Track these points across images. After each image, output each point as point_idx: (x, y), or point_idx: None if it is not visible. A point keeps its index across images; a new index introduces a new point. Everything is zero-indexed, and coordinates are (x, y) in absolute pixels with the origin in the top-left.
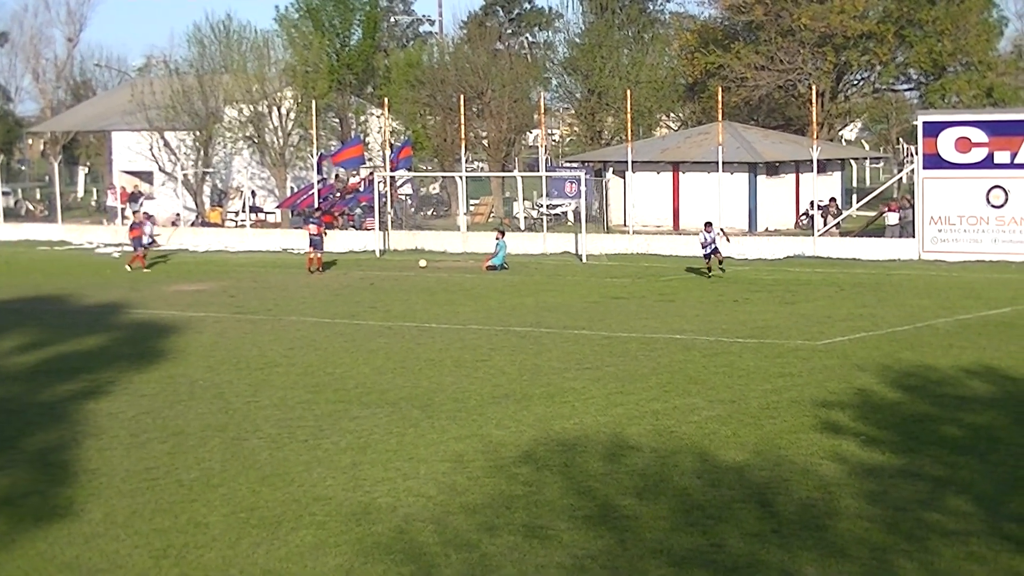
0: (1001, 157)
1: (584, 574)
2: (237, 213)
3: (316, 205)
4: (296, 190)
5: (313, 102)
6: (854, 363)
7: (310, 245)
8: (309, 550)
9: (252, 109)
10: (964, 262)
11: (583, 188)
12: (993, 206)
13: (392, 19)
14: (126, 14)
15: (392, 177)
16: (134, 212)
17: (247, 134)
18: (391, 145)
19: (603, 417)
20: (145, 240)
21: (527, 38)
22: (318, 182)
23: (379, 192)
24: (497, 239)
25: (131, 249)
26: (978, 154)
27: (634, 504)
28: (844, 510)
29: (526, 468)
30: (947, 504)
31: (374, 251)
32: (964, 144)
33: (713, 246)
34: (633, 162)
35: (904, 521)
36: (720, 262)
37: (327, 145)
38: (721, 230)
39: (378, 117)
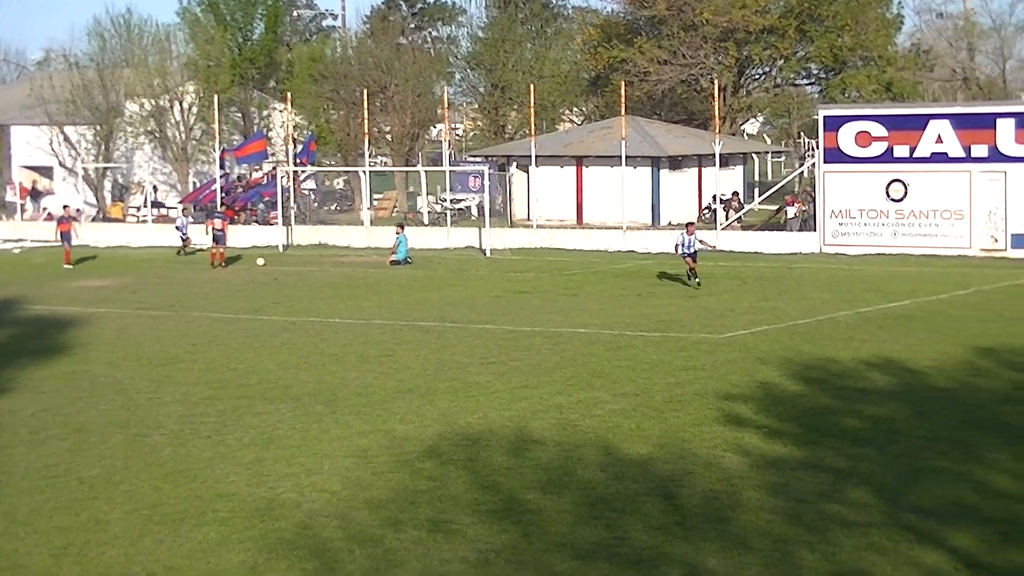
0: (900, 151)
1: (489, 568)
2: (139, 208)
3: (220, 200)
4: (198, 185)
5: (215, 96)
6: (756, 356)
7: (213, 240)
8: (212, 547)
9: (154, 103)
10: (864, 255)
11: (487, 182)
12: (892, 199)
13: (295, 13)
14: (25, 7)
15: (295, 172)
16: (64, 207)
17: (148, 129)
18: (294, 140)
19: (507, 411)
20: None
21: (430, 33)
22: (220, 177)
23: (282, 187)
24: (397, 233)
25: (59, 245)
26: (878, 148)
27: (538, 498)
28: (747, 502)
29: (430, 463)
30: (848, 495)
31: (277, 246)
32: (864, 138)
33: (692, 250)
34: (536, 156)
35: (806, 513)
36: (695, 274)
37: (229, 140)
38: (701, 240)
39: (281, 112)
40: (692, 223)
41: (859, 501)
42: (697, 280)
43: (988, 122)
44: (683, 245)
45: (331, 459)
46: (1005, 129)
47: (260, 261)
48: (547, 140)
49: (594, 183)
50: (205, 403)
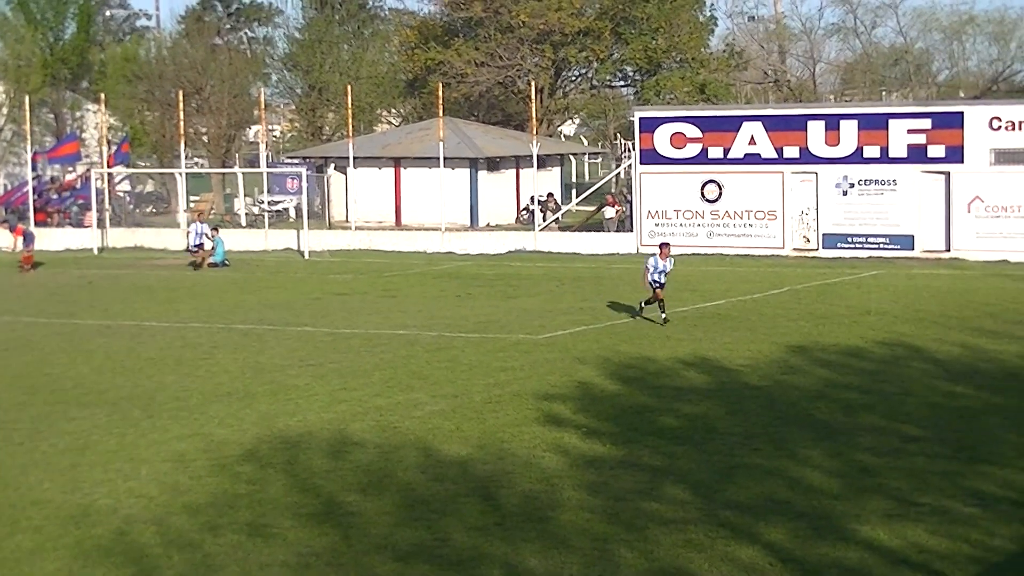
0: (715, 152)
1: (308, 571)
2: None
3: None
4: (9, 188)
5: (26, 97)
6: (575, 356)
7: (24, 243)
8: (26, 555)
9: None
10: (680, 255)
11: (305, 184)
12: (707, 200)
13: (107, 13)
14: None
15: (110, 174)
16: None
17: None
18: (108, 141)
19: (327, 414)
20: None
21: (246, 33)
22: (33, 179)
23: (96, 189)
24: (211, 236)
25: None
26: (692, 149)
27: (358, 500)
28: (566, 501)
29: (249, 466)
30: (665, 493)
31: (92, 249)
32: (679, 139)
33: (663, 278)
34: (354, 158)
35: (624, 511)
36: (663, 307)
37: (42, 142)
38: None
39: (95, 113)
40: (667, 244)
41: (676, 498)
42: (664, 316)
43: (799, 124)
44: (654, 270)
45: (148, 464)
46: (816, 131)
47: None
48: (365, 141)
49: (412, 185)
50: (17, 409)
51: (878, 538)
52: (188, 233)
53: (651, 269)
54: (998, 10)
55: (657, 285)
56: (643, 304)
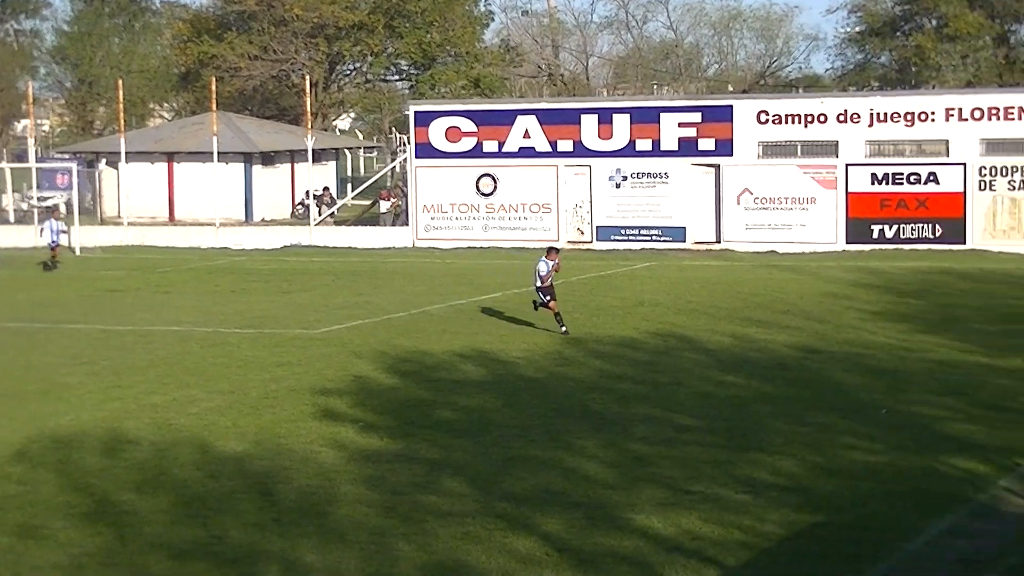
0: (490, 146)
1: (82, 572)
2: None
3: None
4: None
5: None
6: (351, 350)
7: None
8: None
9: None
10: (456, 249)
11: (75, 179)
12: (483, 194)
13: None
14: None
15: None
16: None
17: None
18: None
19: (100, 412)
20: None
21: (12, 25)
22: None
23: None
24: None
25: None
26: (467, 143)
27: (133, 499)
28: (344, 496)
29: (20, 467)
30: (443, 486)
31: None
32: (454, 133)
33: (549, 281)
34: (126, 153)
35: (402, 504)
36: (560, 319)
37: None
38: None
39: None
40: (556, 249)
41: (453, 491)
42: (564, 328)
43: (573, 117)
44: (539, 275)
45: None
46: (589, 124)
47: None
48: (137, 136)
49: (186, 180)
50: None
51: (652, 526)
52: (42, 230)
53: (538, 274)
54: (764, 6)
55: (550, 297)
56: (557, 319)
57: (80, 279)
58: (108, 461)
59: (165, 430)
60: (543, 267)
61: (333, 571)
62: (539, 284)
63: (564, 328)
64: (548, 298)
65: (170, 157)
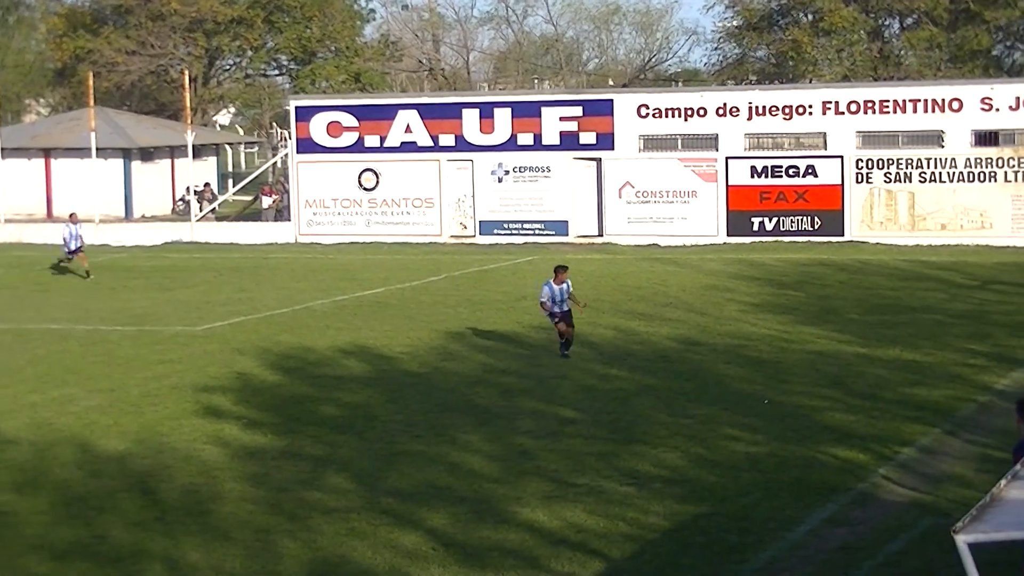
0: (371, 141)
1: None
2: None
3: None
4: None
5: None
6: (234, 347)
7: None
8: None
9: None
10: (339, 244)
11: None
12: (365, 189)
13: None
14: None
15: None
16: None
17: None
18: None
19: None
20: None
21: None
22: None
23: None
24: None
25: None
26: (349, 138)
27: (12, 499)
28: (227, 494)
29: None
30: (328, 482)
31: None
32: (335, 128)
33: (565, 307)
34: (2, 149)
35: (287, 501)
36: (568, 344)
37: None
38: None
39: None
40: (564, 267)
41: (338, 487)
42: (566, 353)
43: (454, 112)
44: (552, 300)
45: None
46: (470, 119)
47: None
48: (12, 132)
49: (63, 176)
50: None
51: (538, 520)
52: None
53: (551, 300)
54: (643, 1)
55: (558, 319)
56: (562, 349)
57: None
58: None
59: (45, 430)
60: (544, 293)
61: (217, 569)
62: (551, 309)
63: (566, 353)
64: (556, 320)
65: (47, 153)
